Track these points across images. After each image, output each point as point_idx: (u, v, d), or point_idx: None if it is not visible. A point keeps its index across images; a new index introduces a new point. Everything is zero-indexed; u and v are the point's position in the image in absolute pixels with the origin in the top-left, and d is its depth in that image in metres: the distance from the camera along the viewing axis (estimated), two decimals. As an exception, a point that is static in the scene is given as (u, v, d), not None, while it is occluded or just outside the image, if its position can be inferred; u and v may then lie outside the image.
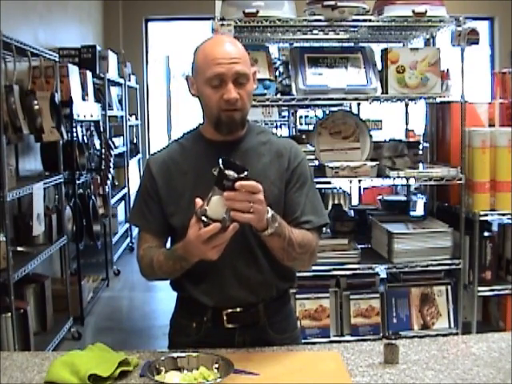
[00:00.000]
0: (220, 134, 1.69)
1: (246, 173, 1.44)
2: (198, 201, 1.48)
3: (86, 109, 4.79)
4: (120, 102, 6.82)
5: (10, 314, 3.20)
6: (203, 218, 1.44)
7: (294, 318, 1.89)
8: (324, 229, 3.35)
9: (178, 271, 1.64)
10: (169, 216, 1.70)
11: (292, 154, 1.74)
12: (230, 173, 1.43)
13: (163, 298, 4.94)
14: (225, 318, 1.69)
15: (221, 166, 1.44)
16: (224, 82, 1.61)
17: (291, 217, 1.68)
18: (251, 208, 1.44)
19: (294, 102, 3.08)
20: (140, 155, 7.68)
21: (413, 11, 2.99)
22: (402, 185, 4.39)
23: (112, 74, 6.13)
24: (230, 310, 1.69)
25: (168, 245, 1.77)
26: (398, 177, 3.04)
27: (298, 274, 2.87)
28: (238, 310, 1.70)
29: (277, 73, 3.23)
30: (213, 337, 1.70)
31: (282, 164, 1.72)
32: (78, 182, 4.61)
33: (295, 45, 3.52)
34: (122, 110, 6.75)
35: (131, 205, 1.89)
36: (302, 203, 1.70)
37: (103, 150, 5.43)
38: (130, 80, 7.07)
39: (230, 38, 1.76)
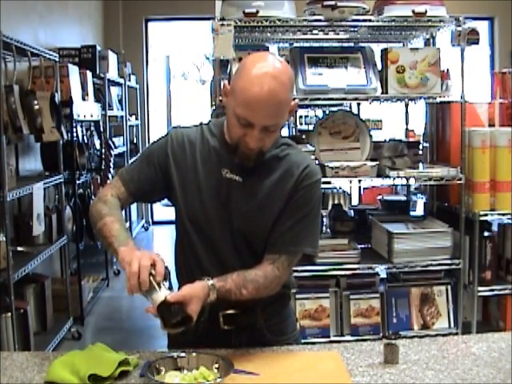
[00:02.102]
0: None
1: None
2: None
3: (86, 109, 4.78)
4: (120, 101, 6.82)
5: (9, 314, 3.20)
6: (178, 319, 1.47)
7: (293, 320, 1.88)
8: (324, 229, 3.39)
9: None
10: (173, 197, 1.70)
11: (302, 176, 1.66)
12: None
13: (163, 298, 4.94)
14: (221, 319, 1.68)
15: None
16: (251, 126, 1.54)
17: (274, 234, 1.66)
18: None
19: (294, 102, 3.08)
20: (140, 155, 7.68)
21: (413, 11, 2.99)
22: (402, 185, 4.39)
23: (112, 73, 6.13)
24: (226, 312, 1.68)
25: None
26: (398, 177, 3.04)
27: (298, 274, 2.89)
28: (235, 311, 1.69)
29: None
30: (209, 337, 1.68)
31: (289, 184, 1.66)
32: (78, 182, 4.61)
33: (295, 45, 3.52)
34: (122, 109, 6.75)
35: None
36: (285, 227, 1.65)
37: (103, 150, 5.43)
38: (129, 80, 7.08)
39: (280, 74, 1.54)
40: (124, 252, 1.53)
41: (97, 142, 5.43)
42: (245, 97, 1.52)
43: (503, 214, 3.14)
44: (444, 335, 2.53)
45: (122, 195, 1.72)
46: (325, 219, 3.47)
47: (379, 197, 4.05)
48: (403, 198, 4.00)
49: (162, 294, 1.46)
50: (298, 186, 1.66)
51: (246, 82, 1.53)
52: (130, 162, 1.71)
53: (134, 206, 7.28)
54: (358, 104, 3.91)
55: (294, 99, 1.64)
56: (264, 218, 1.66)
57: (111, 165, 5.64)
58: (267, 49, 3.16)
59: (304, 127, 6.17)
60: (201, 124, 1.77)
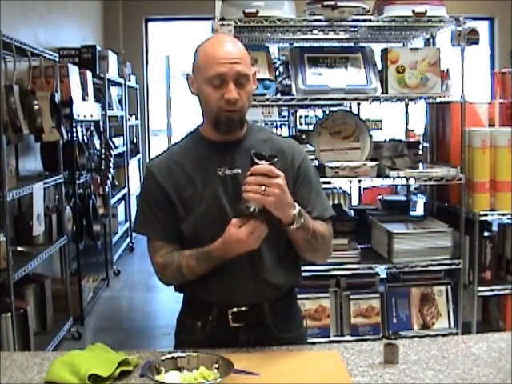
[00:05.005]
0: (219, 134, 1.69)
1: (275, 159, 1.54)
2: (235, 221, 1.55)
3: (86, 109, 4.79)
4: (120, 101, 6.82)
5: (9, 314, 3.20)
6: (251, 210, 1.52)
7: (300, 317, 1.88)
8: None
9: (210, 270, 1.66)
10: (179, 220, 1.70)
11: (295, 152, 1.77)
12: (262, 162, 1.53)
13: (163, 298, 4.95)
14: (230, 316, 1.70)
15: (253, 157, 1.53)
16: (225, 81, 1.62)
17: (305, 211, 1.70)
18: (262, 190, 1.50)
19: (293, 102, 3.08)
20: (140, 155, 7.69)
21: (413, 11, 2.99)
22: (402, 185, 4.39)
23: (112, 74, 6.13)
24: (235, 309, 1.70)
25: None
26: (398, 177, 3.04)
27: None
28: (244, 308, 1.70)
29: (277, 73, 3.23)
30: (217, 336, 1.70)
31: (285, 161, 1.73)
32: (78, 181, 4.61)
33: (295, 45, 3.51)
34: (122, 110, 6.75)
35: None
36: (312, 198, 1.74)
37: (103, 150, 5.43)
38: (130, 80, 7.08)
39: (231, 37, 1.75)
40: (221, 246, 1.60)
41: (97, 142, 5.43)
42: (210, 56, 1.64)
43: (503, 214, 3.14)
44: (444, 335, 2.53)
45: (167, 248, 1.71)
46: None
47: (379, 197, 4.05)
48: (403, 198, 4.00)
49: None
50: (296, 160, 1.75)
51: (205, 49, 1.67)
52: (136, 221, 1.73)
53: (133, 206, 7.29)
54: (358, 104, 3.91)
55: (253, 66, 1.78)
56: None
57: (111, 165, 5.64)
58: (267, 49, 3.16)
59: (304, 127, 6.18)
60: (174, 144, 1.81)
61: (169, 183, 1.70)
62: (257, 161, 1.53)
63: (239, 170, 1.69)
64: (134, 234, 6.96)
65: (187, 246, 1.71)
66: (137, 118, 7.56)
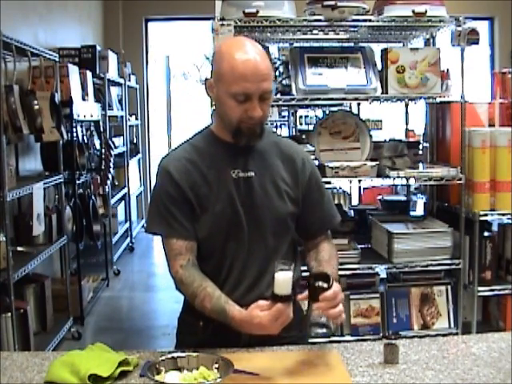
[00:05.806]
0: (238, 144, 1.69)
1: (332, 281, 1.57)
2: (261, 303, 1.54)
3: (86, 109, 4.78)
4: (120, 102, 6.82)
5: (9, 314, 3.20)
6: (278, 296, 1.52)
7: (301, 317, 1.88)
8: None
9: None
10: (195, 219, 1.70)
11: (305, 159, 1.81)
12: (324, 285, 1.56)
13: (163, 298, 4.95)
14: None
15: (317, 283, 1.56)
16: (250, 98, 1.60)
17: (315, 217, 1.78)
18: (341, 312, 1.58)
19: (293, 102, 3.08)
20: (140, 155, 7.69)
21: (413, 11, 2.99)
22: (402, 185, 4.39)
23: (112, 74, 6.13)
24: None
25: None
26: (398, 177, 3.04)
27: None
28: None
29: (277, 73, 3.24)
30: (219, 335, 1.69)
31: (295, 167, 1.77)
32: (78, 182, 4.61)
33: (295, 45, 3.52)
34: (122, 110, 6.75)
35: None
36: (324, 204, 1.81)
37: (103, 150, 5.43)
38: (129, 80, 7.07)
39: (255, 46, 1.65)
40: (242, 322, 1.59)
41: (97, 142, 5.43)
42: (236, 72, 1.59)
43: (503, 214, 3.14)
44: (444, 335, 2.53)
45: (186, 251, 1.69)
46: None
47: (379, 197, 4.05)
48: (403, 198, 4.00)
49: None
50: (307, 168, 1.78)
51: (231, 59, 1.60)
52: (149, 221, 1.69)
53: (133, 206, 7.28)
54: (358, 104, 3.91)
55: None
56: (282, 201, 1.73)
57: (111, 165, 5.64)
58: (267, 49, 3.16)
59: (304, 127, 6.18)
60: (186, 141, 1.78)
61: (185, 181, 1.69)
62: (322, 285, 1.56)
63: (252, 173, 1.70)
64: (133, 234, 6.96)
65: (199, 249, 1.71)
66: (137, 118, 7.56)
